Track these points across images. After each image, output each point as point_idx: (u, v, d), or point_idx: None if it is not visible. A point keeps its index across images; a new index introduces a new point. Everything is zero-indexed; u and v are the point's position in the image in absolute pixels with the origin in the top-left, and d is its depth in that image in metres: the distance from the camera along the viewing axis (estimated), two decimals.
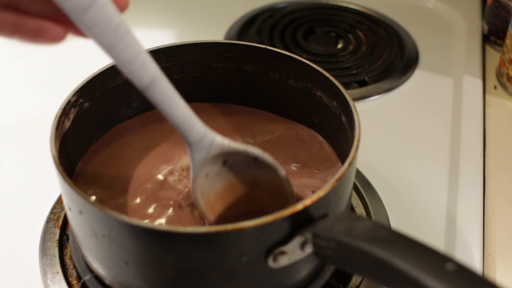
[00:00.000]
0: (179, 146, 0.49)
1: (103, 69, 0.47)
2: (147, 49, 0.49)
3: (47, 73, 0.71)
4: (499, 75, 0.73)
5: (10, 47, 0.76)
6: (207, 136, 0.39)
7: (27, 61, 0.74)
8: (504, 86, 0.72)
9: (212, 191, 0.43)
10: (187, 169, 0.47)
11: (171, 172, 0.48)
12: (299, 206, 0.35)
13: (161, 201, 0.45)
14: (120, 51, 0.33)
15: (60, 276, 0.46)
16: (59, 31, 0.32)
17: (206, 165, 0.41)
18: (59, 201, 0.52)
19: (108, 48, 0.32)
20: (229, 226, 0.34)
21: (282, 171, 0.43)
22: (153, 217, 0.44)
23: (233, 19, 0.82)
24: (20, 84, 0.70)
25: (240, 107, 0.54)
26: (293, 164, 0.49)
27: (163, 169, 0.48)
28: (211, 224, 0.43)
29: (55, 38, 0.32)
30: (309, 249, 0.36)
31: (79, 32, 0.32)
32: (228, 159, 0.42)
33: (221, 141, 0.40)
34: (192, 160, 0.40)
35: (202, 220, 0.44)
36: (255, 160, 0.42)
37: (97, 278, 0.44)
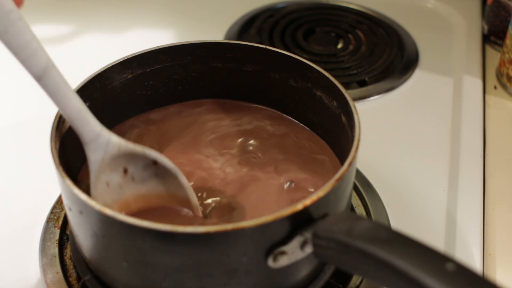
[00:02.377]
0: (181, 147, 0.49)
1: (103, 69, 0.47)
2: (147, 49, 0.49)
3: None
4: (499, 75, 0.73)
5: None
6: (103, 134, 0.39)
7: None
8: (504, 86, 0.72)
9: (115, 204, 0.42)
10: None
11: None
12: (299, 206, 0.35)
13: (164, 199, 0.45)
14: (12, 37, 0.33)
15: (60, 276, 0.46)
16: None
17: (106, 170, 0.40)
18: (59, 201, 0.52)
19: (0, 34, 0.33)
20: (229, 226, 0.34)
21: (183, 178, 0.42)
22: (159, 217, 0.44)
23: (233, 19, 0.82)
24: (20, 84, 0.70)
25: (238, 109, 0.54)
26: (293, 164, 0.49)
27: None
28: None
29: None
30: (309, 249, 0.36)
31: None
32: (129, 167, 0.41)
33: (118, 141, 0.40)
34: (89, 161, 0.39)
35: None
36: (155, 164, 0.41)
37: (97, 278, 0.44)
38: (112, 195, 0.41)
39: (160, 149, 0.49)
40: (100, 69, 0.47)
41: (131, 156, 0.41)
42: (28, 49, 0.34)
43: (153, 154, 0.41)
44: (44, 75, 0.35)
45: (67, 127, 0.44)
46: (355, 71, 0.71)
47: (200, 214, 0.43)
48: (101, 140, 0.39)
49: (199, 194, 0.45)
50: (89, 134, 0.39)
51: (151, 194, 0.43)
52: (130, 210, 0.43)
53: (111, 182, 0.41)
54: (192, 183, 0.46)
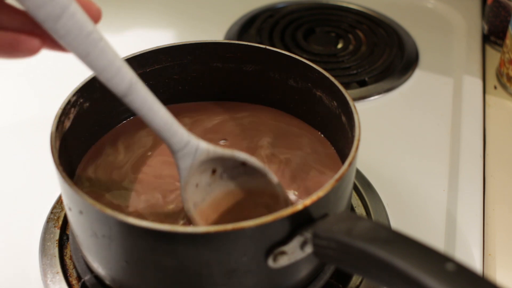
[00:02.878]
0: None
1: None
2: (147, 49, 0.49)
3: (47, 73, 0.71)
4: (499, 75, 0.73)
5: None
6: (191, 142, 0.39)
7: (27, 61, 0.74)
8: (504, 86, 0.72)
9: (205, 202, 0.42)
10: None
11: (173, 172, 0.47)
12: (299, 206, 0.35)
13: (163, 201, 0.45)
14: (95, 58, 0.33)
15: (60, 276, 0.46)
16: (34, 42, 0.32)
17: (195, 174, 0.41)
18: (59, 201, 0.52)
19: (82, 56, 0.32)
20: (229, 226, 0.34)
21: (273, 176, 0.42)
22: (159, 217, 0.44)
23: (233, 19, 0.82)
24: (20, 84, 0.70)
25: (239, 109, 0.54)
26: (293, 164, 0.49)
27: (165, 169, 0.48)
28: None
29: (31, 51, 0.32)
30: (309, 249, 0.36)
31: (54, 44, 0.33)
32: (217, 168, 0.42)
33: (206, 147, 0.40)
34: (179, 168, 0.40)
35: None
36: (243, 165, 0.42)
37: (97, 278, 0.44)
38: (202, 194, 0.42)
39: (162, 149, 0.49)
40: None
41: (220, 159, 0.41)
42: (112, 69, 0.33)
43: (242, 156, 0.41)
44: (129, 92, 0.35)
45: (67, 127, 0.44)
46: (355, 71, 0.71)
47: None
48: (189, 148, 0.39)
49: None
50: (178, 144, 0.39)
51: (240, 191, 0.43)
52: (219, 210, 0.43)
53: (200, 183, 0.41)
54: None
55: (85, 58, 0.32)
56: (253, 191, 0.43)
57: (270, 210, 0.42)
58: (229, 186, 0.43)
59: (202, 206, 0.42)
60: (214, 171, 0.42)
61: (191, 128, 0.52)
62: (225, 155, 0.41)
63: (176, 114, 0.52)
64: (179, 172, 0.40)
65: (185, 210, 0.41)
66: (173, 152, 0.39)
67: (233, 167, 0.42)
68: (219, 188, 0.43)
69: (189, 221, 0.42)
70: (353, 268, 0.37)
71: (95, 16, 0.33)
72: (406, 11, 0.86)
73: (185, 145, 0.39)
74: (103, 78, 0.34)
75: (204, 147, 0.40)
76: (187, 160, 0.40)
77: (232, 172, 0.42)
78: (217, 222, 0.43)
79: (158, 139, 0.50)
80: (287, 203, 0.43)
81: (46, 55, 0.78)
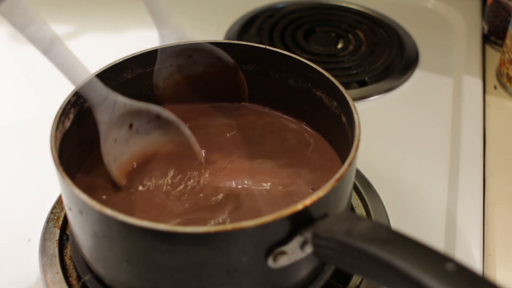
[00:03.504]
0: (183, 147, 0.49)
1: (103, 69, 0.47)
2: (147, 49, 0.49)
3: (47, 73, 0.71)
4: (499, 75, 0.73)
5: (10, 47, 0.76)
6: (109, 96, 0.42)
7: (27, 61, 0.74)
8: (504, 86, 0.72)
9: (123, 156, 0.45)
10: (192, 169, 0.48)
11: (174, 173, 0.47)
12: (299, 206, 0.35)
13: (164, 201, 0.45)
14: (18, 16, 0.36)
15: (60, 276, 0.46)
16: None
17: (113, 129, 0.43)
18: (59, 201, 0.52)
19: (5, 13, 0.36)
20: (229, 226, 0.34)
21: (185, 128, 0.45)
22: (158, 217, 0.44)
23: (233, 19, 0.82)
24: (20, 84, 0.70)
25: (239, 109, 0.54)
26: (292, 164, 0.49)
27: (166, 170, 0.48)
28: (122, 187, 0.45)
29: None
30: (309, 249, 0.36)
31: None
32: (134, 122, 0.45)
33: (123, 100, 0.43)
34: (98, 122, 0.43)
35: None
36: (158, 118, 0.45)
37: (97, 278, 0.44)
38: (121, 149, 0.45)
39: (162, 150, 0.49)
40: (100, 69, 0.47)
41: (136, 113, 0.44)
42: (34, 25, 0.37)
43: (156, 109, 0.45)
44: (50, 48, 0.38)
45: (67, 127, 0.44)
46: (355, 71, 0.71)
47: (203, 160, 0.47)
48: (108, 101, 0.42)
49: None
50: (97, 98, 0.42)
51: (156, 143, 0.47)
52: (138, 160, 0.46)
53: (119, 138, 0.44)
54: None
55: (9, 16, 0.36)
56: (167, 145, 0.47)
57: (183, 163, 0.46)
58: (145, 141, 0.46)
59: (121, 160, 0.45)
60: (131, 126, 0.45)
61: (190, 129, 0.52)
62: (141, 107, 0.44)
63: (177, 113, 0.53)
64: (99, 126, 0.43)
65: (105, 164, 0.44)
66: (92, 107, 0.42)
67: (148, 121, 0.45)
68: (136, 144, 0.46)
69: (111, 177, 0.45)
70: (353, 268, 0.37)
71: None
72: (406, 11, 0.86)
73: (104, 99, 0.42)
74: (26, 34, 0.37)
75: (122, 100, 0.43)
76: (105, 114, 0.43)
77: (147, 126, 0.45)
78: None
79: (159, 139, 0.50)
80: (200, 154, 0.47)
81: None
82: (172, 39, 0.45)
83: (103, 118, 0.43)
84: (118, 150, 0.45)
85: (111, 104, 0.43)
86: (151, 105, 0.45)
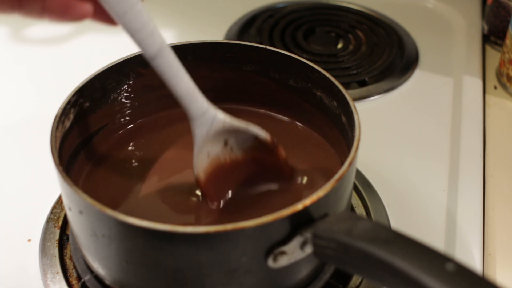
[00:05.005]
0: (184, 148, 0.49)
1: (103, 69, 0.47)
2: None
3: (47, 73, 0.71)
4: (499, 75, 0.73)
5: (10, 47, 0.76)
6: (209, 111, 0.41)
7: (27, 61, 0.74)
8: (504, 86, 0.72)
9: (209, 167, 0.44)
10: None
11: (176, 173, 0.47)
12: (299, 206, 0.35)
13: (165, 202, 0.45)
14: (131, 18, 0.34)
15: (60, 276, 0.46)
16: (85, 7, 0.33)
17: (208, 143, 0.42)
18: (59, 201, 0.52)
19: (119, 15, 0.34)
20: (229, 226, 0.34)
21: (282, 151, 0.45)
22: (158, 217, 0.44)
23: (233, 19, 0.82)
24: (20, 84, 0.70)
25: (240, 107, 0.54)
26: (292, 164, 0.49)
27: (166, 169, 0.48)
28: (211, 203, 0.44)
29: (81, 15, 0.33)
30: (309, 249, 0.36)
31: (101, 13, 0.34)
32: (230, 139, 0.43)
33: (223, 117, 0.42)
34: (194, 135, 0.42)
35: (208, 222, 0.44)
36: (255, 139, 0.44)
37: (97, 278, 0.44)
38: (211, 163, 0.44)
39: (162, 147, 0.49)
40: (100, 69, 0.47)
41: (234, 131, 0.43)
42: (145, 30, 0.35)
43: (255, 130, 0.44)
44: (158, 56, 0.37)
45: (67, 127, 0.44)
46: (355, 71, 0.71)
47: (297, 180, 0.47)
48: (207, 116, 0.41)
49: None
50: (197, 111, 0.41)
51: (247, 164, 0.46)
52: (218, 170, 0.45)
53: (212, 153, 0.43)
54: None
55: (122, 17, 0.34)
56: (260, 164, 0.45)
57: (275, 182, 0.45)
58: (236, 157, 0.45)
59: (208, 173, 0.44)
60: (226, 143, 0.44)
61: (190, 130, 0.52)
62: (240, 127, 0.43)
63: (176, 116, 0.53)
64: (194, 139, 0.42)
65: (195, 175, 0.43)
66: (191, 118, 0.41)
67: (244, 140, 0.44)
68: (228, 159, 0.45)
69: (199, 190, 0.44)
70: (353, 268, 0.37)
71: None
72: (406, 11, 0.86)
73: (204, 113, 0.41)
74: (136, 39, 0.36)
75: (221, 117, 0.42)
76: (203, 128, 0.41)
77: (243, 145, 0.44)
78: (222, 193, 0.45)
79: (159, 139, 0.50)
80: (292, 175, 0.46)
81: (46, 55, 0.78)
82: (203, 122, 0.41)
83: (200, 131, 0.41)
84: (208, 164, 0.44)
85: (210, 119, 0.41)
86: (251, 125, 0.44)
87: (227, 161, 0.45)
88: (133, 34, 0.35)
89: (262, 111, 0.54)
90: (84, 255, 0.43)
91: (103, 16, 0.35)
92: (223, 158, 0.45)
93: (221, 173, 0.45)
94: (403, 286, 0.31)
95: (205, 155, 0.43)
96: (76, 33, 0.79)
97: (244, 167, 0.45)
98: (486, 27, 0.80)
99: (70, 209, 0.39)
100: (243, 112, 0.54)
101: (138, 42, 0.36)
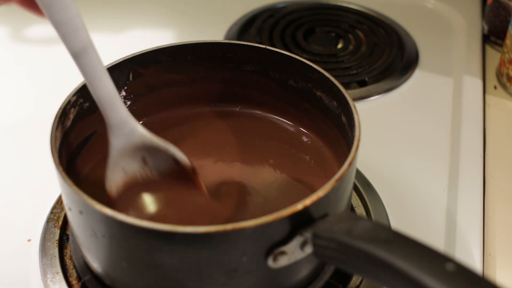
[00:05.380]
0: (185, 147, 0.49)
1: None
2: (147, 49, 0.49)
3: (47, 73, 0.71)
4: (499, 75, 0.73)
5: (10, 47, 0.76)
6: (129, 122, 0.40)
7: (27, 61, 0.74)
8: (504, 86, 0.72)
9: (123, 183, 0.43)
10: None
11: (176, 173, 0.47)
12: (299, 206, 0.35)
13: (165, 202, 0.45)
14: (56, 12, 0.34)
15: (60, 276, 0.46)
16: None
17: (125, 157, 0.41)
18: (59, 201, 0.52)
19: (45, 5, 0.33)
20: (229, 226, 0.34)
21: (200, 180, 0.43)
22: (157, 217, 0.44)
23: (233, 19, 0.82)
24: (20, 84, 0.70)
25: (240, 107, 0.54)
26: (292, 164, 0.49)
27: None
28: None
29: None
30: (309, 249, 0.36)
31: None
32: (148, 157, 0.42)
33: (143, 132, 0.40)
34: (110, 145, 0.40)
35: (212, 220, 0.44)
36: (175, 162, 0.42)
37: (97, 278, 0.44)
38: (126, 180, 0.42)
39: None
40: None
41: (153, 149, 0.41)
42: (70, 25, 0.35)
43: (176, 153, 0.42)
44: (81, 54, 0.36)
45: (67, 127, 0.44)
46: (355, 71, 0.71)
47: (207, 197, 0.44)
48: (125, 128, 0.40)
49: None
50: (114, 120, 0.39)
51: (163, 180, 0.44)
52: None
53: (128, 169, 0.42)
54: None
55: (48, 9, 0.34)
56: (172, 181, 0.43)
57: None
58: (154, 177, 0.43)
59: (120, 186, 0.42)
60: (144, 160, 0.42)
61: (190, 131, 0.52)
62: (159, 146, 0.41)
63: (176, 117, 0.53)
64: (110, 149, 0.40)
65: (106, 188, 0.41)
66: (108, 126, 0.39)
67: (163, 160, 0.42)
68: (144, 178, 0.43)
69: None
70: (353, 268, 0.37)
71: None
72: (406, 11, 0.86)
73: (122, 123, 0.39)
74: (60, 33, 0.35)
75: (140, 132, 0.40)
76: (120, 139, 0.40)
77: (162, 165, 0.43)
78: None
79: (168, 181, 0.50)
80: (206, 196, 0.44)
81: (46, 55, 0.78)
82: (120, 133, 0.40)
83: (116, 142, 0.40)
84: (122, 180, 0.42)
85: (129, 131, 0.40)
86: (171, 146, 0.42)
87: (144, 180, 0.43)
88: (58, 28, 0.35)
89: (262, 111, 0.54)
90: (84, 255, 0.43)
91: (30, 4, 0.34)
92: (140, 176, 0.43)
93: (137, 191, 0.43)
94: (403, 286, 0.31)
95: (120, 169, 0.41)
96: None
97: (163, 188, 0.44)
98: (486, 27, 0.80)
99: (70, 209, 0.39)
100: (243, 112, 0.54)
101: (62, 36, 0.35)
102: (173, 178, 0.43)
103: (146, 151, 0.41)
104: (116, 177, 0.42)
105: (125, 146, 0.40)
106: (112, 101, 0.38)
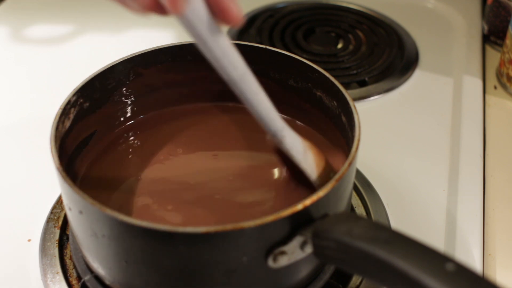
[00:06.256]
0: (185, 147, 0.50)
1: (103, 69, 0.47)
2: (147, 49, 0.49)
3: (47, 73, 0.71)
4: (499, 75, 0.73)
5: (10, 47, 0.76)
6: (284, 131, 0.41)
7: (27, 61, 0.74)
8: (504, 86, 0.72)
9: None
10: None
11: (175, 173, 0.47)
12: (299, 206, 0.35)
13: (165, 201, 0.45)
14: (212, 46, 0.36)
15: (60, 276, 0.46)
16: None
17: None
18: (59, 201, 0.52)
19: (202, 42, 0.36)
20: (229, 226, 0.34)
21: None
22: (157, 218, 0.44)
23: None
24: (20, 84, 0.70)
25: (240, 107, 0.54)
26: (292, 165, 0.49)
27: (166, 171, 0.48)
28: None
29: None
30: (309, 249, 0.36)
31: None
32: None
33: (294, 136, 0.42)
34: (285, 145, 0.42)
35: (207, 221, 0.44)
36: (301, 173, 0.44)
37: (97, 278, 0.44)
38: None
39: (163, 149, 0.49)
40: (100, 69, 0.47)
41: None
42: (226, 57, 0.37)
43: (311, 175, 0.43)
44: (242, 80, 0.38)
45: (67, 127, 0.44)
46: (355, 71, 0.71)
47: None
48: (278, 135, 0.41)
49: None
50: (271, 129, 0.41)
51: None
52: None
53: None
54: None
55: (204, 44, 0.36)
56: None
57: None
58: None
59: None
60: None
61: (190, 131, 0.52)
62: (297, 161, 0.43)
63: (175, 116, 0.53)
64: (288, 148, 0.42)
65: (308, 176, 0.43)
66: (269, 135, 0.41)
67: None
68: None
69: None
70: (353, 268, 0.37)
71: (233, 20, 0.36)
72: (406, 11, 0.86)
73: (278, 130, 0.41)
74: (218, 65, 0.37)
75: (292, 135, 0.42)
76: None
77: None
78: None
79: (158, 140, 0.50)
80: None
81: (46, 55, 0.78)
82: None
83: (288, 141, 0.42)
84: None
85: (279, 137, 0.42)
86: (309, 170, 0.44)
87: None
88: (216, 61, 0.37)
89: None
90: (84, 255, 0.43)
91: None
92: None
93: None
94: (403, 286, 0.31)
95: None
96: (76, 33, 0.79)
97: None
98: (486, 27, 0.80)
99: (70, 209, 0.39)
100: (243, 112, 0.54)
101: (220, 68, 0.37)
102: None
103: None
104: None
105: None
106: (270, 115, 0.41)
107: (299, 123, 0.52)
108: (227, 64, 0.37)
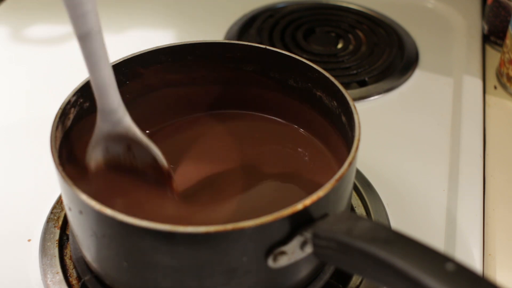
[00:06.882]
0: (185, 147, 0.50)
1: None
2: (147, 49, 0.49)
3: (47, 73, 0.71)
4: (499, 75, 0.73)
5: (10, 47, 0.76)
6: (118, 112, 0.41)
7: (27, 61, 0.74)
8: (504, 86, 0.72)
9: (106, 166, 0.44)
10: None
11: (176, 172, 0.47)
12: (299, 206, 0.35)
13: (165, 201, 0.45)
14: None
15: (60, 276, 0.46)
16: None
17: (109, 140, 0.42)
18: (59, 201, 0.52)
19: None
20: (229, 226, 0.34)
21: (173, 182, 0.45)
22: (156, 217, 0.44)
23: (233, 19, 0.82)
24: (20, 84, 0.70)
25: (240, 107, 0.54)
26: (292, 165, 0.49)
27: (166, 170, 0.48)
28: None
29: None
30: (309, 249, 0.36)
31: None
32: (133, 146, 0.43)
33: (129, 125, 0.42)
34: (97, 126, 0.41)
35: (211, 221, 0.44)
36: (154, 159, 0.43)
37: (97, 278, 0.44)
38: (108, 158, 0.44)
39: (163, 146, 0.49)
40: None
41: (136, 142, 0.43)
42: (80, 9, 0.35)
43: (155, 153, 0.43)
44: (85, 38, 0.36)
45: (67, 127, 0.44)
46: (355, 71, 0.71)
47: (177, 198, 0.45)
48: (114, 117, 0.41)
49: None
50: (105, 106, 0.40)
51: (143, 171, 0.45)
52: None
53: (112, 150, 0.43)
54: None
55: None
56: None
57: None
58: (138, 166, 0.45)
59: (100, 168, 0.44)
60: (129, 148, 0.44)
61: (190, 131, 0.52)
62: (142, 141, 0.42)
63: (175, 116, 0.53)
64: (96, 130, 0.41)
65: (85, 157, 0.43)
66: (98, 110, 0.40)
67: (145, 155, 0.44)
68: (125, 162, 0.45)
69: None
70: (353, 268, 0.37)
71: None
72: (406, 11, 0.86)
73: (111, 112, 0.40)
74: (69, 15, 0.35)
75: (128, 123, 0.42)
76: (107, 125, 0.41)
77: (143, 157, 0.44)
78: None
79: (160, 139, 0.50)
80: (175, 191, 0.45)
81: (46, 55, 0.78)
82: (108, 120, 0.41)
83: (102, 125, 0.41)
84: (104, 158, 0.43)
85: (115, 120, 0.41)
86: (152, 145, 0.43)
87: (127, 164, 0.44)
88: (68, 9, 0.35)
89: (262, 111, 0.54)
90: (84, 255, 0.43)
91: None
92: (123, 160, 0.44)
93: (118, 172, 0.44)
94: (403, 286, 0.31)
95: (103, 149, 0.43)
96: None
97: (140, 179, 0.45)
98: (486, 27, 0.80)
99: (70, 209, 0.39)
100: (243, 112, 0.54)
101: (70, 18, 0.35)
102: (152, 174, 0.45)
103: (131, 141, 0.43)
104: (97, 153, 0.43)
105: (109, 132, 0.42)
106: (106, 88, 0.39)
107: (299, 123, 0.52)
108: (78, 15, 0.35)
